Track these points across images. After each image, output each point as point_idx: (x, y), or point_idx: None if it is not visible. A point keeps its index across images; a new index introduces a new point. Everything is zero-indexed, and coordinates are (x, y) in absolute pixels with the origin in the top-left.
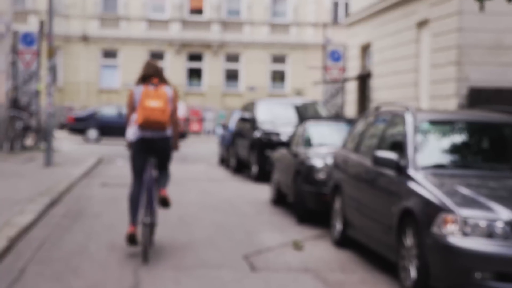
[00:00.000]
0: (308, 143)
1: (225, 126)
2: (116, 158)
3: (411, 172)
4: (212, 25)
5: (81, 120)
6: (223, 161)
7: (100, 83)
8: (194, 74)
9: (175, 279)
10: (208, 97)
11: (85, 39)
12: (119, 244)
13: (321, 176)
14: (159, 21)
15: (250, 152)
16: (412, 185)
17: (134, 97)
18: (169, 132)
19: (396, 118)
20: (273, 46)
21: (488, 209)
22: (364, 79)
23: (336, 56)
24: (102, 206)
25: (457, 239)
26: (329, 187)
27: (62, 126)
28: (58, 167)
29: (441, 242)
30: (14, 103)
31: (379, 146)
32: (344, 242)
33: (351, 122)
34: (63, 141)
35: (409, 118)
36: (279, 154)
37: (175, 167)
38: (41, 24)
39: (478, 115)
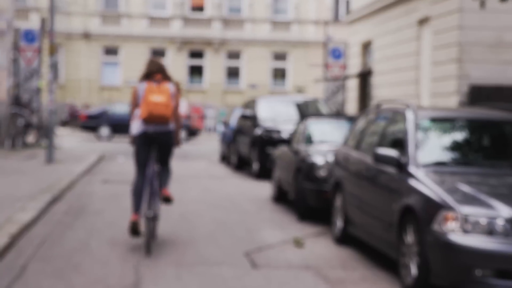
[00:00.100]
0: (309, 140)
1: (226, 124)
2: (118, 155)
3: (411, 169)
4: (213, 23)
5: (93, 117)
6: (224, 158)
7: (102, 80)
8: (195, 72)
9: (176, 276)
10: (209, 94)
11: (86, 36)
12: (121, 241)
13: (322, 173)
14: (160, 18)
15: (251, 150)
16: (412, 182)
17: (138, 93)
18: (172, 126)
19: (397, 116)
20: (274, 43)
21: (488, 206)
22: (365, 77)
23: (337, 54)
24: (103, 203)
25: (457, 236)
26: (330, 185)
27: (63, 123)
28: (59, 164)
29: (442, 239)
30: (16, 100)
31: (380, 144)
32: (344, 239)
33: (352, 120)
34: (64, 138)
35: (410, 116)
36: (280, 151)
37: (176, 164)
38: (43, 21)
39: (479, 112)
